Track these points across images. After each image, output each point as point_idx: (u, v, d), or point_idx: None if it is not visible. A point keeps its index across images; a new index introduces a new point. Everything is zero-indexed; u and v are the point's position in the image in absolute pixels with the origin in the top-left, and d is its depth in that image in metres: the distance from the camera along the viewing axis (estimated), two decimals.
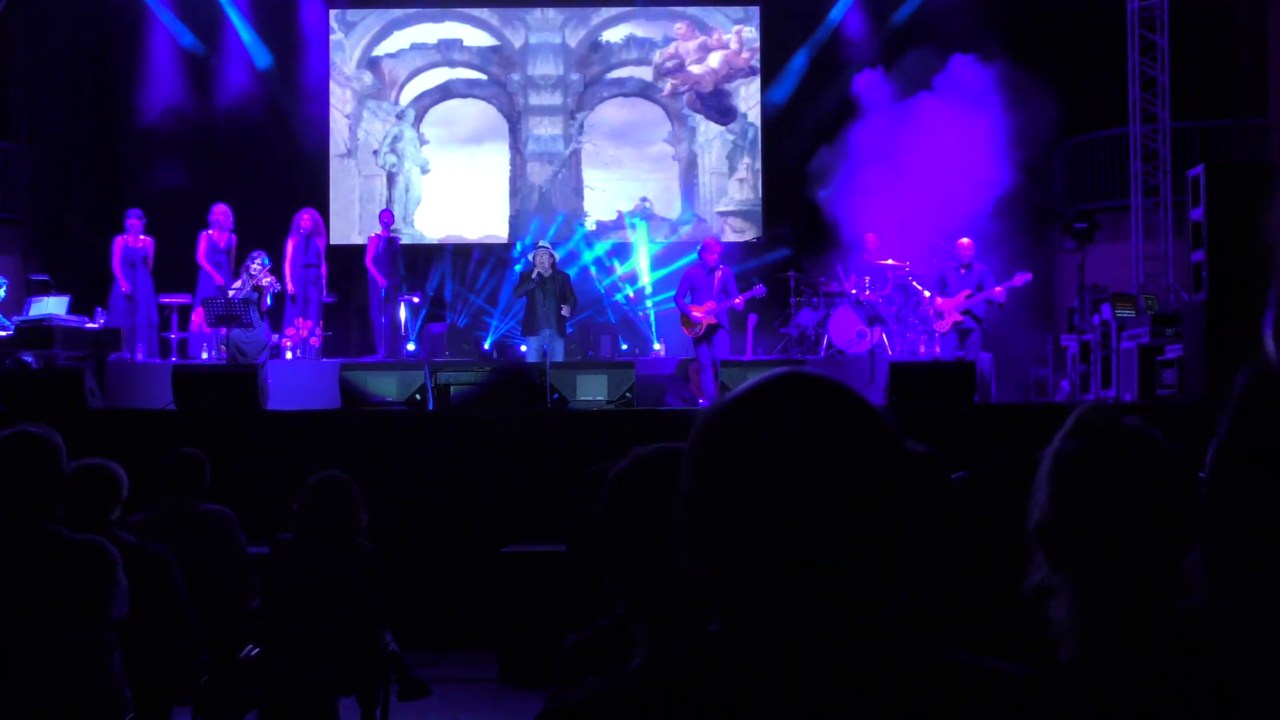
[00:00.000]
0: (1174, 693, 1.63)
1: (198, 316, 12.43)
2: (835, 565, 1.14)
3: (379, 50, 15.93)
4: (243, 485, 6.98)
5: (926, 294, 11.60)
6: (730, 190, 15.82)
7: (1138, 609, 1.68)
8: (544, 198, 15.77)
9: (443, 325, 14.17)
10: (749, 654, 1.15)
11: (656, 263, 14.83)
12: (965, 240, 11.46)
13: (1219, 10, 14.79)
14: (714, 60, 15.82)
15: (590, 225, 15.25)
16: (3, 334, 10.84)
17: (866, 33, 14.90)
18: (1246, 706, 1.50)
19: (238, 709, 4.82)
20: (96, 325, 11.54)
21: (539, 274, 11.46)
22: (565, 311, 11.50)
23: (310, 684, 4.64)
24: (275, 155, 14.96)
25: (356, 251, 13.64)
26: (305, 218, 12.51)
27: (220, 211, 12.36)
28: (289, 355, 12.39)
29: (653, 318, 14.26)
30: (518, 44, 15.91)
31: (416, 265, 14.52)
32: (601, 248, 14.97)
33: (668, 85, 15.87)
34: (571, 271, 12.84)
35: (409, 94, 15.92)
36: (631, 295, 14.48)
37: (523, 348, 12.24)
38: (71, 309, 11.46)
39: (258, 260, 11.70)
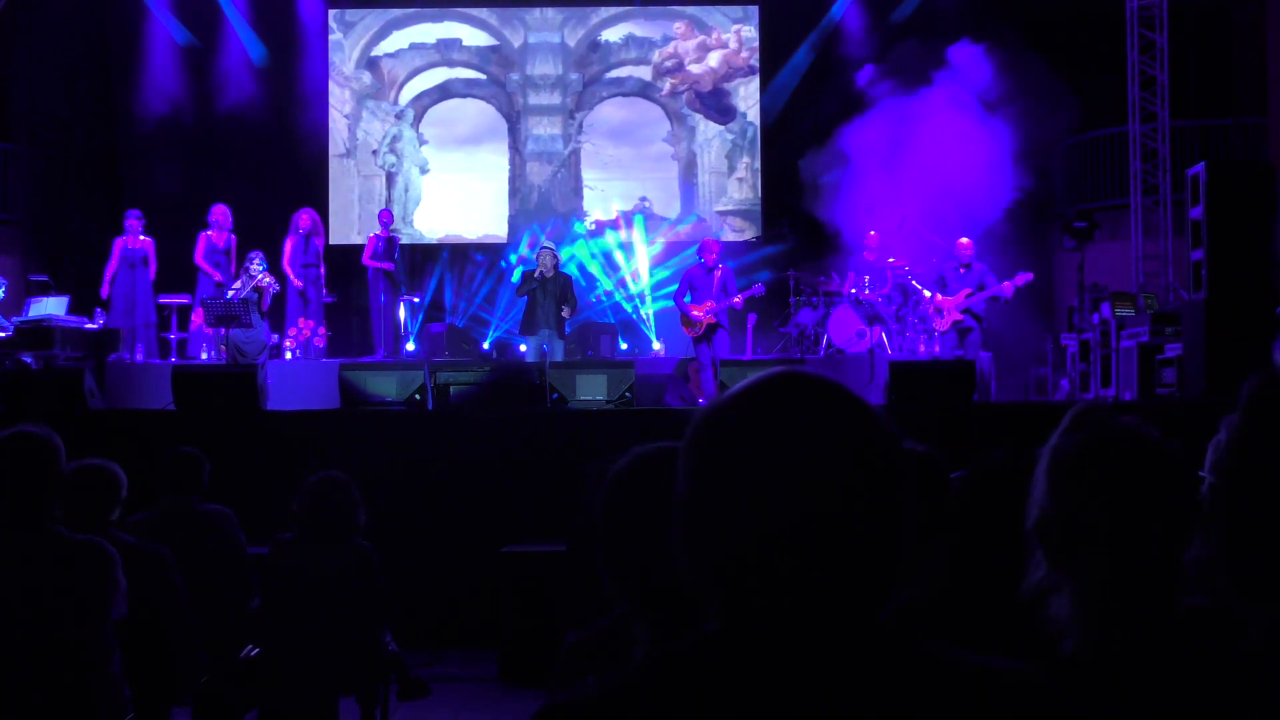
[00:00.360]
0: (1174, 689, 1.63)
1: (197, 317, 12.43)
2: (833, 565, 1.14)
3: (378, 50, 15.93)
4: (242, 485, 6.97)
5: (927, 294, 11.59)
6: (730, 190, 15.82)
7: (1137, 606, 1.68)
8: (543, 197, 15.77)
9: (442, 325, 14.17)
10: (747, 654, 1.15)
11: (656, 262, 14.84)
12: (964, 240, 11.47)
13: (1218, 9, 14.79)
14: (713, 60, 15.82)
15: (589, 225, 15.25)
16: (2, 334, 10.84)
17: (865, 32, 14.91)
18: (1257, 705, 1.50)
19: (237, 709, 4.82)
20: (96, 326, 11.54)
21: (541, 274, 11.46)
22: (565, 313, 11.51)
23: (310, 684, 4.64)
24: (274, 155, 14.96)
25: (356, 251, 13.64)
26: (304, 217, 12.51)
27: (219, 212, 12.36)
28: (289, 355, 12.39)
29: (652, 317, 14.26)
30: (517, 44, 15.92)
31: (416, 265, 14.52)
32: (596, 246, 14.96)
33: (667, 85, 15.87)
34: (571, 271, 12.84)
35: (408, 94, 15.92)
36: (631, 294, 14.48)
37: (522, 347, 12.24)
38: (71, 309, 11.45)
39: (256, 260, 11.70)
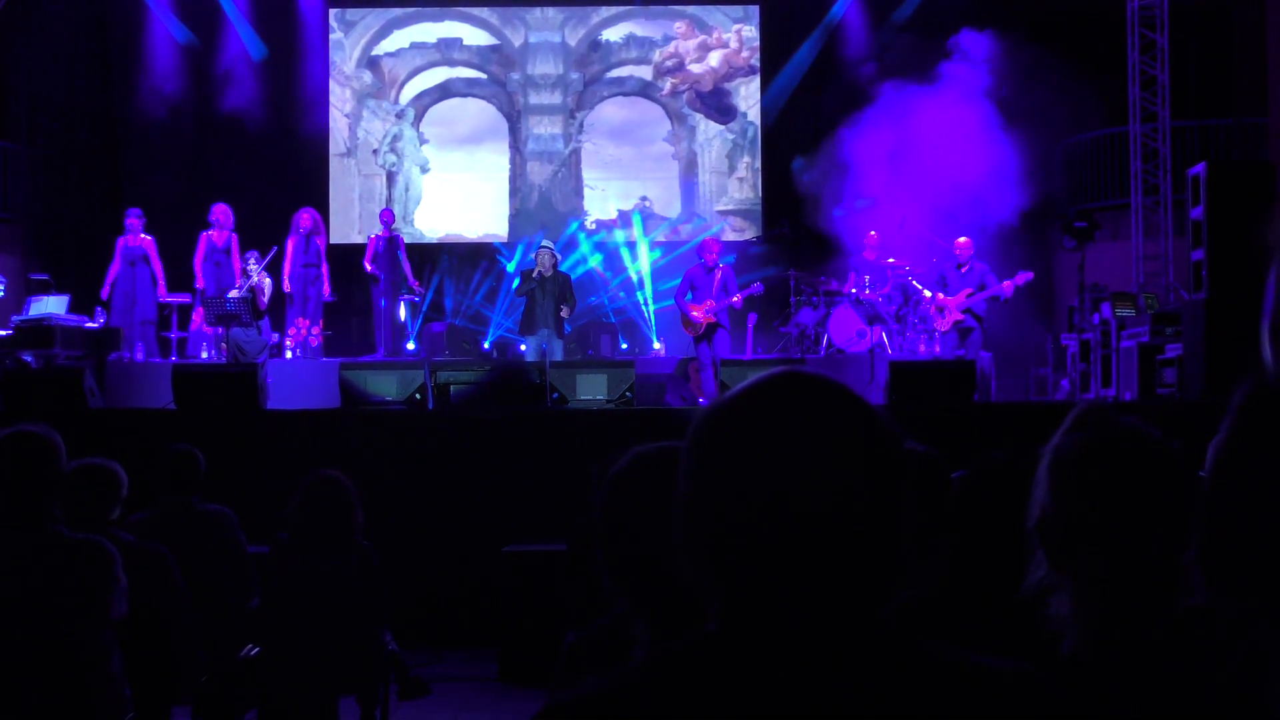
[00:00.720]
0: (1174, 689, 1.63)
1: (198, 316, 12.43)
2: (834, 565, 1.14)
3: (379, 49, 15.93)
4: (242, 485, 6.97)
5: (927, 294, 11.59)
6: (730, 189, 15.82)
7: (1137, 606, 1.68)
8: (544, 197, 15.77)
9: (442, 324, 14.17)
10: (747, 653, 1.15)
11: (656, 262, 14.84)
12: (963, 239, 11.46)
13: (1219, 9, 14.78)
14: (714, 59, 15.82)
15: (589, 224, 15.25)
16: (1, 334, 10.85)
17: (866, 32, 14.91)
18: (1246, 704, 1.50)
19: (237, 709, 4.82)
20: (96, 325, 11.54)
21: (539, 273, 11.46)
22: (564, 312, 11.51)
23: (310, 683, 4.64)
24: (275, 155, 14.96)
25: (356, 251, 13.64)
26: (305, 217, 12.51)
27: (220, 211, 12.36)
28: (289, 355, 12.39)
29: (652, 317, 14.26)
30: (517, 43, 15.92)
31: (416, 265, 14.52)
32: (597, 245, 14.97)
33: (667, 84, 15.87)
34: (570, 270, 12.84)
35: (409, 93, 15.92)
36: (632, 294, 14.49)
37: (522, 347, 12.24)
38: (71, 308, 11.45)
39: (252, 260, 11.70)
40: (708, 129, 15.87)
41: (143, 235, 12.25)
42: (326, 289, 12.53)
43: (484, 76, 15.99)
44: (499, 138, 15.91)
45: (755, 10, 15.81)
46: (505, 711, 6.37)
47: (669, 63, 15.87)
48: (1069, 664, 1.69)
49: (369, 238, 13.02)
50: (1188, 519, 1.68)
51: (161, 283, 12.25)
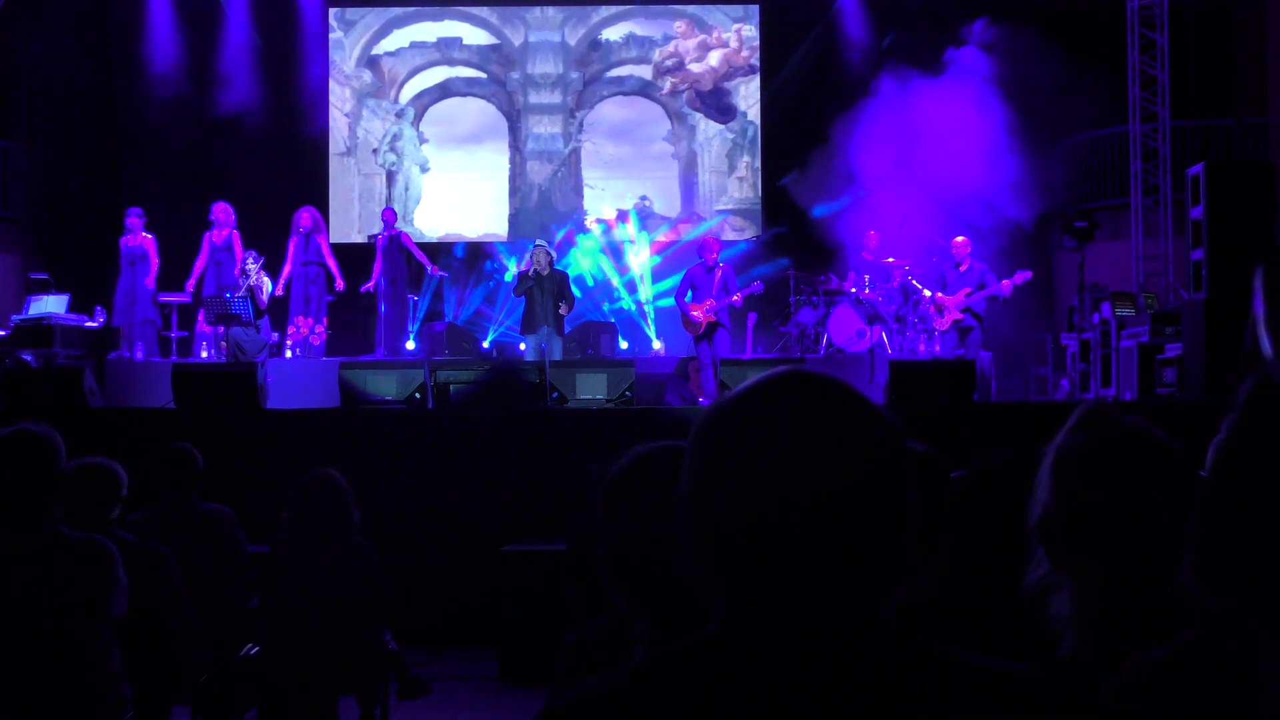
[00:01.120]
0: (1173, 689, 1.63)
1: (202, 317, 12.44)
2: (835, 564, 1.14)
3: (378, 49, 15.93)
4: (242, 484, 6.97)
5: (927, 293, 11.59)
6: (730, 189, 15.82)
7: (1136, 606, 1.68)
8: (543, 196, 15.77)
9: (442, 324, 14.17)
10: (748, 653, 1.15)
11: (655, 262, 14.83)
12: (960, 239, 11.46)
13: (1219, 9, 14.77)
14: (714, 59, 15.82)
15: (589, 224, 15.24)
16: (2, 333, 10.85)
17: (865, 31, 14.90)
18: (1243, 705, 1.50)
19: (237, 707, 4.82)
20: (96, 324, 11.54)
21: (536, 272, 11.48)
22: (563, 310, 11.52)
23: (310, 682, 4.63)
24: (275, 154, 14.96)
25: (356, 250, 13.64)
26: (305, 216, 12.51)
27: (220, 209, 12.36)
28: (289, 354, 12.39)
29: (652, 316, 14.26)
30: (517, 42, 15.92)
31: (416, 264, 14.51)
32: (599, 244, 14.96)
33: (667, 84, 15.87)
34: (571, 270, 12.85)
35: (408, 92, 15.92)
36: (633, 293, 14.49)
37: (521, 346, 12.25)
38: (71, 308, 11.45)
39: (250, 259, 11.71)
40: (707, 128, 15.87)
41: (143, 235, 12.25)
42: (340, 284, 12.49)
43: (484, 76, 15.99)
44: (499, 137, 15.91)
45: (755, 10, 15.80)
46: (505, 711, 6.37)
47: (669, 62, 15.86)
48: (1068, 664, 1.69)
49: (374, 241, 13.00)
50: (1188, 519, 1.68)
51: (151, 281, 12.19)
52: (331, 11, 15.78)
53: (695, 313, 11.21)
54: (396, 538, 7.00)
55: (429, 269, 12.86)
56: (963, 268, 11.29)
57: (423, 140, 15.88)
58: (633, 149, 15.91)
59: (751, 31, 15.82)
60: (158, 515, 5.12)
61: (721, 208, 15.76)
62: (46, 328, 10.74)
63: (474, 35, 15.98)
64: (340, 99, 15.79)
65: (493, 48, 15.97)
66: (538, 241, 12.11)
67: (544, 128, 15.87)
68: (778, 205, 15.12)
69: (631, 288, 14.56)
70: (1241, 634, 1.23)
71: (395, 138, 15.83)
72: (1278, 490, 1.18)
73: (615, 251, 14.93)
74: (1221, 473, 1.22)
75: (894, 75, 13.40)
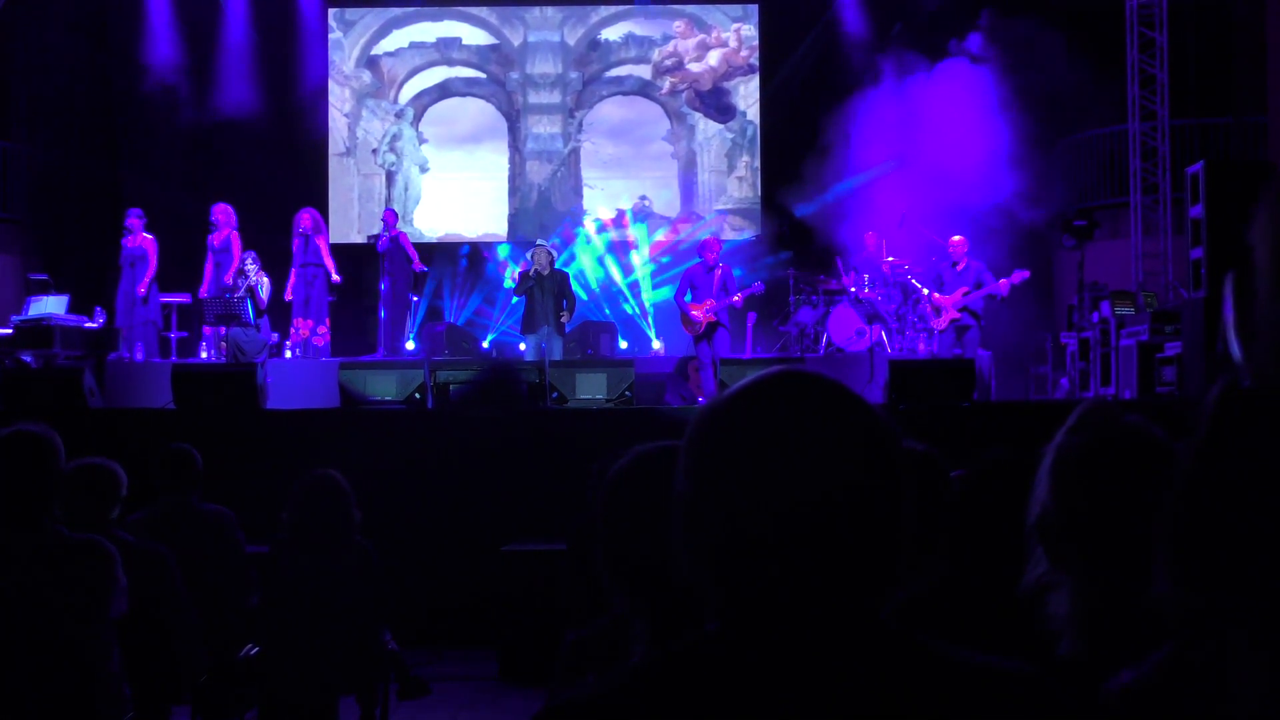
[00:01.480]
0: (1172, 689, 1.63)
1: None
2: (833, 564, 1.14)
3: (378, 49, 15.93)
4: (242, 485, 6.97)
5: (925, 291, 11.59)
6: (729, 188, 15.82)
7: (1135, 606, 1.68)
8: (543, 196, 15.77)
9: (442, 324, 14.17)
10: (747, 653, 1.15)
11: (655, 261, 14.83)
12: (957, 238, 11.45)
13: (1218, 8, 14.77)
14: (713, 58, 15.82)
15: (589, 224, 15.25)
16: (2, 334, 10.85)
17: (865, 31, 14.89)
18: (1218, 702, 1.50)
19: (237, 708, 4.82)
20: (96, 325, 11.54)
21: (537, 272, 11.48)
22: (564, 317, 11.51)
23: (310, 683, 4.63)
24: (274, 154, 14.95)
25: (355, 250, 13.64)
26: (305, 217, 12.50)
27: (220, 210, 12.36)
28: (289, 354, 12.38)
29: (652, 315, 14.26)
30: (517, 42, 15.91)
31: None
32: (602, 241, 14.96)
33: (667, 83, 15.86)
34: (570, 270, 12.85)
35: (408, 92, 15.92)
36: (634, 292, 14.50)
37: (521, 346, 12.25)
38: (70, 309, 11.45)
39: (249, 260, 11.70)
40: (707, 128, 15.87)
41: (143, 235, 12.24)
42: (336, 279, 12.48)
43: (483, 76, 15.99)
44: (498, 137, 15.91)
45: (754, 9, 15.80)
46: (505, 711, 6.37)
47: (668, 62, 15.86)
48: (1067, 663, 1.69)
49: (374, 241, 12.98)
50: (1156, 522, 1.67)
51: (146, 283, 12.14)
52: (331, 12, 15.78)
53: (695, 312, 11.21)
54: (397, 538, 7.01)
55: (414, 264, 12.80)
56: (959, 267, 11.28)
57: (422, 140, 15.88)
58: (632, 149, 15.91)
59: (751, 31, 15.82)
60: (157, 516, 5.12)
61: (721, 207, 15.76)
62: (46, 328, 10.75)
63: (473, 35, 15.98)
64: (340, 99, 15.79)
65: (492, 48, 15.97)
66: (539, 241, 12.10)
67: (543, 128, 15.87)
68: (777, 205, 15.11)
69: (635, 289, 14.56)
70: (1215, 635, 1.24)
71: (395, 138, 15.83)
72: (1248, 494, 1.19)
73: (615, 251, 14.94)
74: (1192, 475, 1.22)
75: (893, 74, 13.40)
